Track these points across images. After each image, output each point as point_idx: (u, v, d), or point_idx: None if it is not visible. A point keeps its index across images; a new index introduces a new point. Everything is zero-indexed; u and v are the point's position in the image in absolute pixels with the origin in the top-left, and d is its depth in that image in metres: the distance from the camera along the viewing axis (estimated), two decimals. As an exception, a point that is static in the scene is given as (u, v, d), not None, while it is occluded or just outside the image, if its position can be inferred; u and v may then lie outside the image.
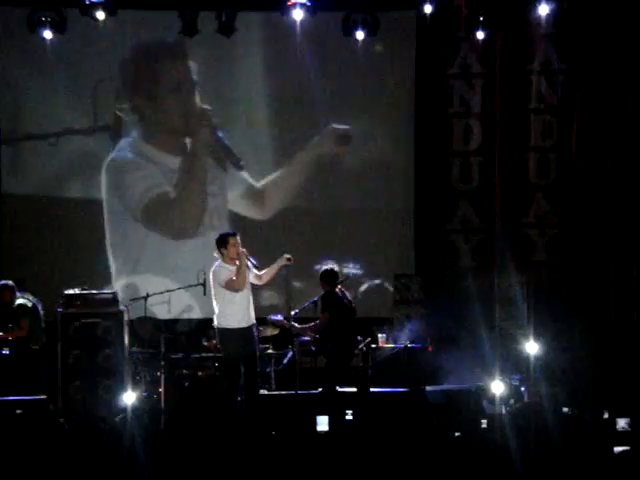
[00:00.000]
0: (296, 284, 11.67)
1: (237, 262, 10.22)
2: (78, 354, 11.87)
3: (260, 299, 12.54)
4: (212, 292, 10.40)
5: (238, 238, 10.32)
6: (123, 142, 13.83)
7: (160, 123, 13.86)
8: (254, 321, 10.46)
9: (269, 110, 13.90)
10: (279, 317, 11.75)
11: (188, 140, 13.91)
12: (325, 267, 11.82)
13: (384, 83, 13.88)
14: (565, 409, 10.58)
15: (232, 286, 10.19)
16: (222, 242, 10.32)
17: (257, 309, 10.60)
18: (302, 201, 14.05)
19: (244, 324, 10.35)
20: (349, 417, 10.12)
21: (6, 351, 11.74)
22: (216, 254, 10.37)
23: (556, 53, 13.81)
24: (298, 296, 11.84)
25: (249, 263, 10.30)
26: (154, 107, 13.80)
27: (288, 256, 10.40)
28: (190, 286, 12.15)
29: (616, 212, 13.28)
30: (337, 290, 11.55)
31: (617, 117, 13.32)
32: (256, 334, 10.51)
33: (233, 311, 10.33)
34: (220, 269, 10.30)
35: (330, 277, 11.61)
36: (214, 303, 10.37)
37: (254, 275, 10.39)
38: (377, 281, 13.72)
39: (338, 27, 13.15)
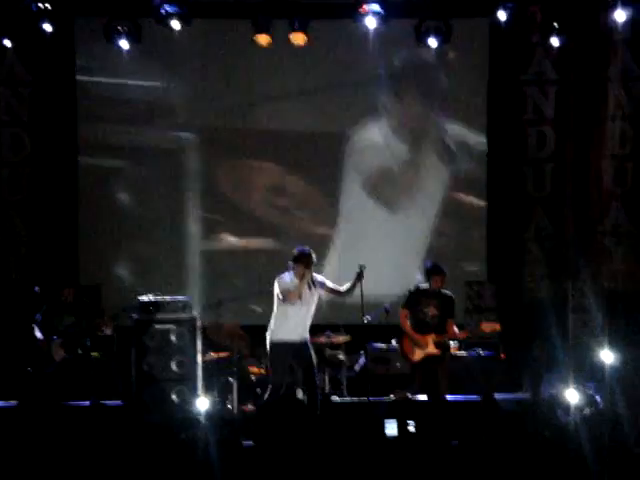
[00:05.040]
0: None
1: (300, 279, 10.62)
2: (152, 360, 11.99)
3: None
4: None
5: (311, 257, 10.66)
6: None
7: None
8: (306, 337, 10.82)
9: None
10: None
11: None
12: (432, 263, 11.76)
13: (457, 90, 13.85)
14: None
15: (286, 297, 10.64)
16: (295, 258, 10.69)
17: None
18: (376, 206, 14.05)
19: (295, 337, 10.73)
20: (412, 427, 10.06)
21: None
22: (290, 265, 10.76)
23: (633, 59, 13.63)
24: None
25: (313, 282, 10.73)
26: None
27: (361, 266, 10.63)
28: (262, 293, 12.22)
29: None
30: None
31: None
32: (309, 349, 10.84)
33: (284, 324, 10.75)
34: (280, 280, 10.75)
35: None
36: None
37: (330, 290, 10.83)
38: (449, 288, 13.62)
39: (411, 35, 13.12)
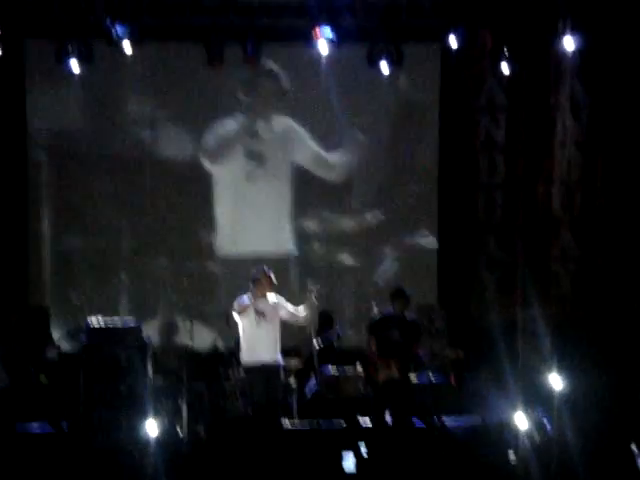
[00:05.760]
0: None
1: (257, 294, 10.77)
2: (101, 384, 11.89)
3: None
4: None
5: (266, 275, 10.78)
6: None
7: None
8: (279, 360, 10.87)
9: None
10: None
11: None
12: (395, 287, 11.87)
13: (409, 115, 13.93)
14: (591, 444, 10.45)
15: (241, 311, 10.73)
16: (254, 276, 10.85)
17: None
18: (332, 231, 14.15)
19: (266, 357, 10.79)
20: (364, 450, 10.07)
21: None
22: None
23: (582, 87, 13.76)
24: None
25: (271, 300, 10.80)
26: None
27: (310, 290, 10.72)
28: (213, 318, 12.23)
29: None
30: None
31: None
32: (280, 377, 10.89)
33: (251, 344, 10.84)
34: (238, 299, 10.84)
35: None
36: None
37: (288, 314, 10.86)
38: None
39: (363, 59, 13.17)
